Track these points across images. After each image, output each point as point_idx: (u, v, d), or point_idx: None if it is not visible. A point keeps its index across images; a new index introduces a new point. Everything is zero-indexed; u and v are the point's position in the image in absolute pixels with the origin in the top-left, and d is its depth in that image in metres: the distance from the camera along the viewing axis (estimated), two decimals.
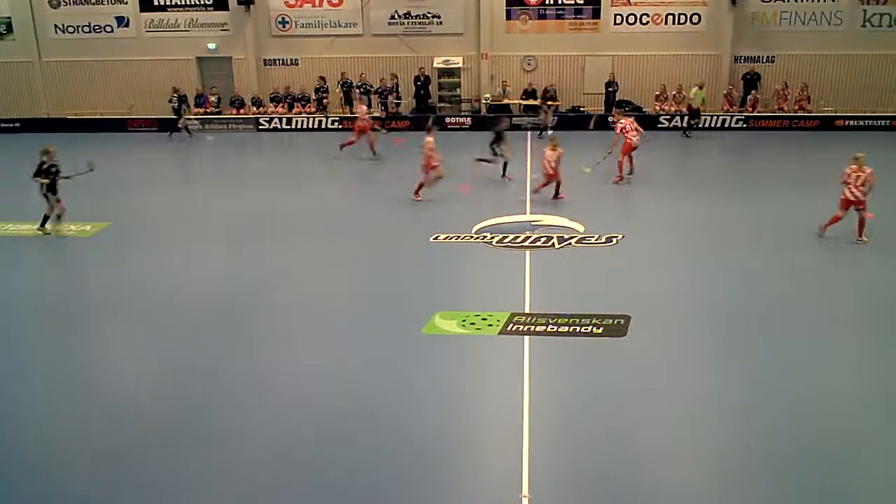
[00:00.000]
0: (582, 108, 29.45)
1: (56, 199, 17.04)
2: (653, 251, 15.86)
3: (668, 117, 28.39)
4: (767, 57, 29.29)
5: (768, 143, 26.71)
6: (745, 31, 29.05)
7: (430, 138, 18.94)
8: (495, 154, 21.48)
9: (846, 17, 28.68)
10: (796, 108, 28.60)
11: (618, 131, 20.69)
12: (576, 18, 29.49)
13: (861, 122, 27.86)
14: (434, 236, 16.61)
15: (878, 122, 27.76)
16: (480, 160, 21.65)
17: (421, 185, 19.31)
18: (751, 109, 28.72)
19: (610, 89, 28.95)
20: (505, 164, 21.51)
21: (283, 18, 31.44)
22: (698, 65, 29.28)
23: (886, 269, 14.65)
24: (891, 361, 11.11)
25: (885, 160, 22.08)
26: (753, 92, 28.81)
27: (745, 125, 28.15)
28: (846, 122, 27.83)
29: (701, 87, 27.47)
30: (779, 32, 29.05)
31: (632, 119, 20.94)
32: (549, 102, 28.58)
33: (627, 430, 9.46)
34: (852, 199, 15.59)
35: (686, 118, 27.93)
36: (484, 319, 12.38)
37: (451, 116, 30.01)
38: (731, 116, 28.38)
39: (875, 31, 28.72)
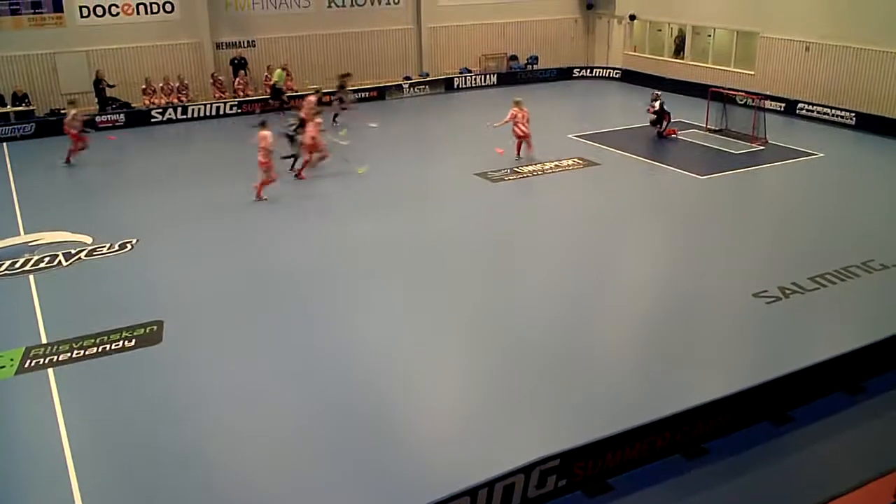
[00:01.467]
0: (62, 111, 27.37)
1: None
2: (173, 249, 15.78)
3: (161, 111, 27.84)
4: (248, 41, 30.38)
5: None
6: (222, 17, 29.72)
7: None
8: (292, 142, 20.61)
9: (313, 0, 31.04)
10: (284, 89, 30.22)
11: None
12: (35, 13, 27.13)
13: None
14: None
15: (362, 94, 30.68)
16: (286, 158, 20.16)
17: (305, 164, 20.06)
18: (241, 94, 29.56)
19: (100, 87, 27.32)
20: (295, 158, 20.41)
21: None
22: (181, 54, 29.18)
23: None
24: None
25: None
26: (241, 74, 29.66)
27: (238, 110, 28.92)
28: (331, 98, 30.26)
29: (283, 69, 29.00)
30: (255, 17, 30.26)
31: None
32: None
33: (180, 434, 9.55)
34: (521, 133, 20.90)
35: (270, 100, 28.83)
36: None
37: None
38: (225, 103, 28.91)
39: (339, 11, 31.59)
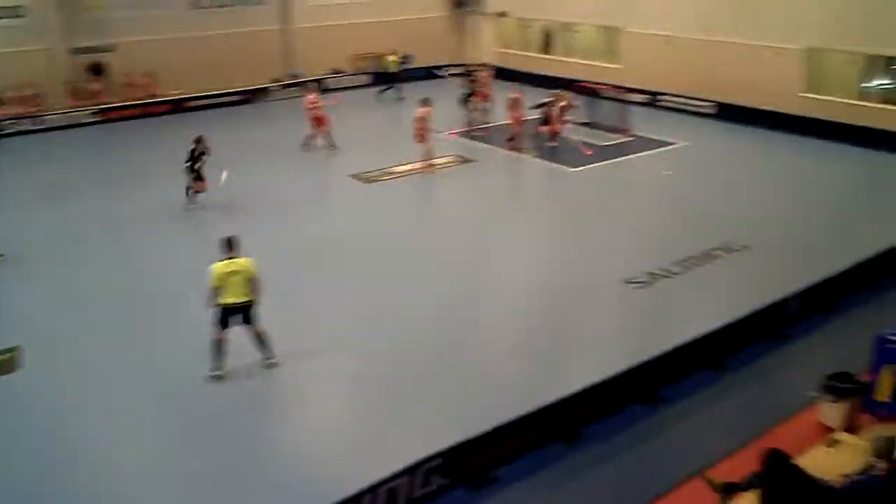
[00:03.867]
0: None
1: None
2: (40, 268, 14.83)
3: (13, 121, 26.28)
4: (107, 46, 28.94)
5: (129, 133, 26.71)
6: (79, 21, 28.21)
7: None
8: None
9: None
10: (145, 94, 29.11)
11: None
12: None
13: (212, 101, 29.69)
14: None
15: (230, 97, 29.94)
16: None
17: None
18: (103, 101, 28.34)
19: None
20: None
21: None
22: (31, 61, 27.39)
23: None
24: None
25: (235, 134, 24.16)
26: (98, 80, 28.38)
27: (100, 118, 27.67)
28: (196, 103, 29.34)
29: (394, 54, 31.90)
30: (114, 19, 28.74)
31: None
32: None
33: (42, 464, 9.05)
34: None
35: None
36: None
37: None
38: (83, 111, 27.56)
39: (208, 12, 30.69)
